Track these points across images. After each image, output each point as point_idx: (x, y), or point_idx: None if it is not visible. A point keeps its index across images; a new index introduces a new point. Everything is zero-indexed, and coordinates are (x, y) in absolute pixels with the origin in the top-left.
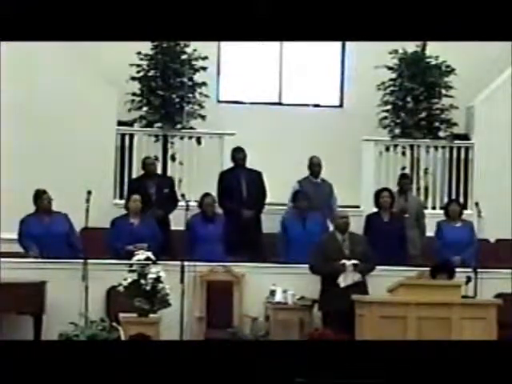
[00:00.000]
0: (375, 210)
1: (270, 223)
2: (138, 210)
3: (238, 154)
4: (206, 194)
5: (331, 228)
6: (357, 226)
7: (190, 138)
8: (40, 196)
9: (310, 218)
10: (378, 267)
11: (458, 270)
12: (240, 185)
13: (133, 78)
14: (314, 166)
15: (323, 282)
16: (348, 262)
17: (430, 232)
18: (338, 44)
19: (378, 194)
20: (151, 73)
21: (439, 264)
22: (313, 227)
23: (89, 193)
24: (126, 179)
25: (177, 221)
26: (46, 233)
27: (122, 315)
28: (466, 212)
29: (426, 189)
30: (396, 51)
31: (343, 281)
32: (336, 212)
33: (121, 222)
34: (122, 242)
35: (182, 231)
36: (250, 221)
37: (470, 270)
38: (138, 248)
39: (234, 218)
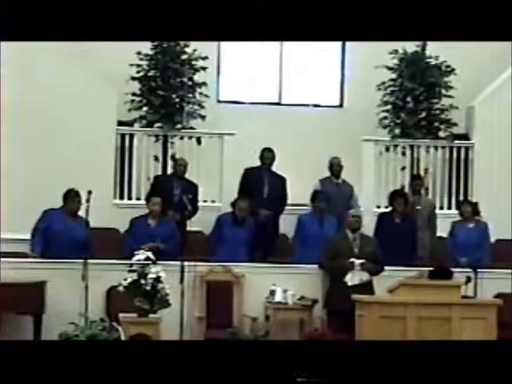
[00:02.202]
0: (376, 210)
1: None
2: (158, 212)
3: (267, 153)
4: (241, 197)
5: None
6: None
7: (190, 138)
8: (72, 197)
9: (327, 218)
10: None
11: (458, 270)
12: (262, 185)
13: (133, 78)
14: (335, 166)
15: (331, 279)
16: (357, 262)
17: (439, 233)
18: (338, 44)
19: (392, 197)
20: (151, 73)
21: (437, 269)
22: (330, 228)
23: (89, 193)
24: (126, 179)
25: None
26: (67, 233)
27: (121, 315)
28: None
29: (426, 189)
30: (396, 51)
31: (350, 279)
32: (349, 211)
33: (139, 223)
34: (139, 243)
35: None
36: (268, 221)
37: (469, 270)
38: (153, 248)
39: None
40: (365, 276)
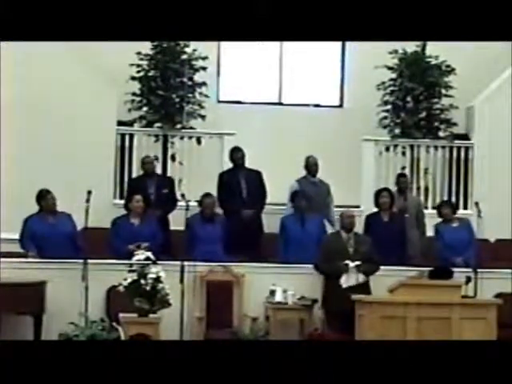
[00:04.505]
0: (376, 210)
1: (270, 223)
2: (140, 210)
3: (237, 154)
4: (206, 195)
5: (328, 228)
6: (357, 225)
7: (190, 137)
8: (44, 196)
9: (308, 217)
10: (380, 267)
11: (458, 270)
12: (240, 185)
13: (133, 78)
14: (311, 165)
15: (327, 280)
16: (351, 264)
17: (430, 232)
18: (338, 44)
19: (377, 194)
20: (151, 73)
21: (437, 269)
22: (312, 227)
23: (89, 193)
24: (126, 179)
25: (177, 221)
26: (50, 233)
27: (121, 315)
28: (465, 212)
29: (426, 189)
30: (396, 51)
31: (345, 282)
32: (343, 211)
33: (121, 222)
34: (123, 242)
35: (182, 231)
36: (251, 221)
37: (469, 270)
38: (139, 247)
39: (234, 219)
40: (361, 277)
